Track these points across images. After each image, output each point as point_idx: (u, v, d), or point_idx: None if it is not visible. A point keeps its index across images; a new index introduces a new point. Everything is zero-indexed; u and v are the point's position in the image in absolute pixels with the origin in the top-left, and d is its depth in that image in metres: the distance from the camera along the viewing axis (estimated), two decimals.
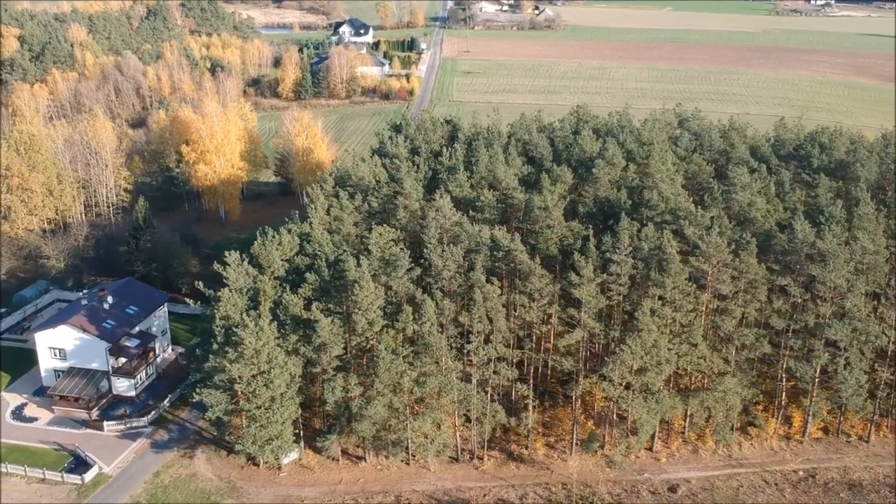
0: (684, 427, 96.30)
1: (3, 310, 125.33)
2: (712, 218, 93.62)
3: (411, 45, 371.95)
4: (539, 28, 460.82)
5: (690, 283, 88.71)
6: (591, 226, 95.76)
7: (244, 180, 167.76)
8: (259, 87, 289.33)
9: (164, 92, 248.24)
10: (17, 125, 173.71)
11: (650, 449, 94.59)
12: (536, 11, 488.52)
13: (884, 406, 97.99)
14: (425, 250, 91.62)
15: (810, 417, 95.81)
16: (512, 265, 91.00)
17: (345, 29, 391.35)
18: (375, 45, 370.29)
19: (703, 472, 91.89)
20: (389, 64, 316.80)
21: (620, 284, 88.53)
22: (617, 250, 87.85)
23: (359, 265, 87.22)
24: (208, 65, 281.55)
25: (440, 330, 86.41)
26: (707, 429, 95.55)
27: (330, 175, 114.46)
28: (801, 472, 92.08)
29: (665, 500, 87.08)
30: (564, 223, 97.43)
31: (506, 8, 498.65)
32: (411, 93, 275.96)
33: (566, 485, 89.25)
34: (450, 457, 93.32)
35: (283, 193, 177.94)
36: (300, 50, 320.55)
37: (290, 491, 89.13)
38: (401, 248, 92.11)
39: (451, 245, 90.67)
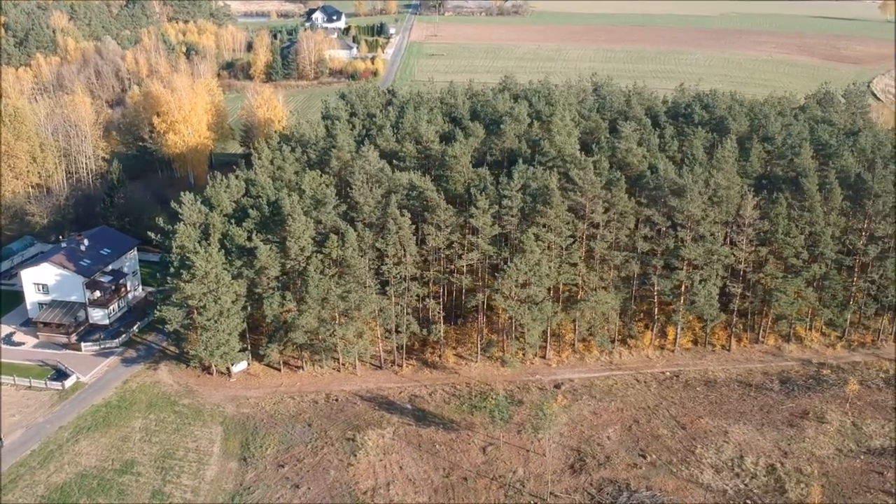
0: (573, 340, 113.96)
1: None
2: (594, 162, 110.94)
3: (381, 30, 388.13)
4: (507, 14, 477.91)
5: (570, 214, 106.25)
6: (496, 171, 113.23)
7: (211, 149, 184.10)
8: (233, 69, 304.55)
9: (142, 74, 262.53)
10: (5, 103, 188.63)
11: (543, 357, 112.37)
12: None
13: (746, 322, 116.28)
14: (351, 191, 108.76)
15: (679, 330, 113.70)
16: (424, 202, 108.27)
17: (317, 15, 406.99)
18: (346, 31, 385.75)
19: (586, 375, 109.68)
20: (357, 47, 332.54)
21: (512, 216, 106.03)
22: (509, 187, 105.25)
23: (293, 202, 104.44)
24: (184, 49, 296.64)
25: (361, 254, 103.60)
26: (592, 341, 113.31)
27: (276, 132, 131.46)
28: (667, 373, 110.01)
29: (549, 393, 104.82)
30: (472, 169, 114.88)
31: None
32: (375, 73, 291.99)
33: (469, 383, 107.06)
34: (374, 365, 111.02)
35: (248, 163, 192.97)
36: (274, 35, 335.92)
37: (238, 392, 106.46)
38: (330, 189, 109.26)
39: (373, 186, 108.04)
